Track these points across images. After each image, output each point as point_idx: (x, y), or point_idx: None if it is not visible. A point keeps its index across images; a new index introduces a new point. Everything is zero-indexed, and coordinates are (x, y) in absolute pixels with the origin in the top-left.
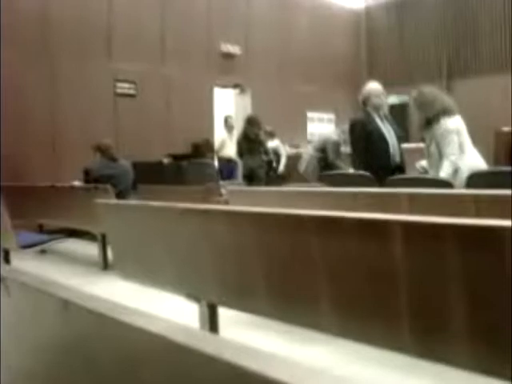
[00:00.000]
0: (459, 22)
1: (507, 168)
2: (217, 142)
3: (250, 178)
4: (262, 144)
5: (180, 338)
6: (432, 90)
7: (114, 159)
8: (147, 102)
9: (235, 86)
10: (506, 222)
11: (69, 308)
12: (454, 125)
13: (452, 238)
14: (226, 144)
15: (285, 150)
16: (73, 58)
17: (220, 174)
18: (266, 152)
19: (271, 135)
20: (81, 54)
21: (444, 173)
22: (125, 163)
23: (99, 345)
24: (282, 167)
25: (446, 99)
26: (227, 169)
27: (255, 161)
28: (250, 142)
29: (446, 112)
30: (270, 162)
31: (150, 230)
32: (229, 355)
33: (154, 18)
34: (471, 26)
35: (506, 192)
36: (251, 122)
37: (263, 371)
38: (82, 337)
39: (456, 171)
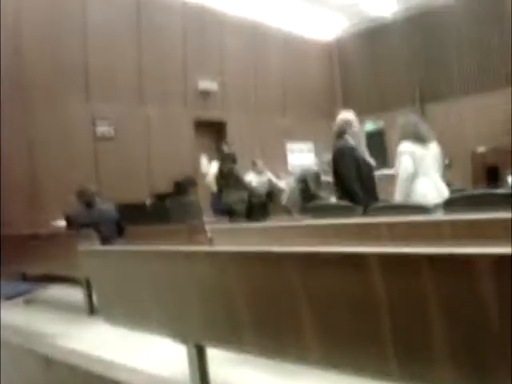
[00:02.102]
0: (428, 48)
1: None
2: (210, 176)
3: (228, 213)
4: (237, 179)
5: None
6: (407, 118)
7: (90, 205)
8: (127, 142)
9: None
10: (475, 250)
11: (51, 366)
12: (405, 148)
13: (426, 266)
14: None
15: (284, 183)
16: (48, 100)
17: (215, 207)
18: (245, 187)
19: (257, 168)
20: (57, 96)
21: (396, 197)
22: (106, 207)
23: None
24: (284, 199)
25: (415, 126)
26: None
27: (231, 196)
28: (224, 177)
29: (405, 137)
30: (269, 194)
31: (134, 273)
32: None
33: (129, 57)
34: (440, 52)
35: (481, 217)
36: (224, 158)
37: None
38: None
39: (409, 195)
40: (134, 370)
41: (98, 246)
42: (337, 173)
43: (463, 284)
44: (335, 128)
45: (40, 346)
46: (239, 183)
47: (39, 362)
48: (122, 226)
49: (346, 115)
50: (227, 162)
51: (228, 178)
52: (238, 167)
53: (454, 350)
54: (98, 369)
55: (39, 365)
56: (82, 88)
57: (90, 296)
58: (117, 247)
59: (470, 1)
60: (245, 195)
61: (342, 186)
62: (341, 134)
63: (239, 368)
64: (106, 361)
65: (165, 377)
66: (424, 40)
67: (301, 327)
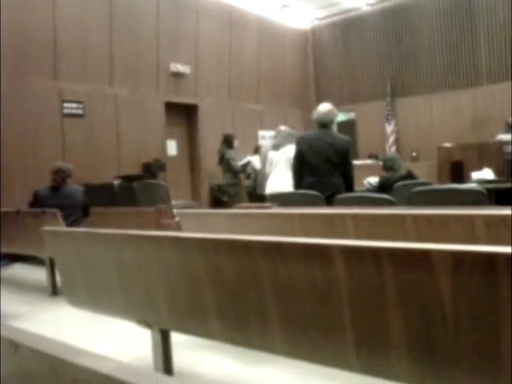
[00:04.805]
0: (401, 43)
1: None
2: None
3: (220, 194)
4: (227, 162)
5: (132, 379)
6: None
7: (59, 186)
8: (96, 122)
9: None
10: (431, 246)
11: (19, 350)
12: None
13: (387, 259)
14: None
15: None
16: (15, 79)
17: None
18: (234, 170)
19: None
20: (23, 74)
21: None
22: (74, 189)
23: None
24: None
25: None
26: None
27: (224, 178)
28: (220, 160)
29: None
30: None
31: (99, 256)
32: None
33: (102, 38)
34: (412, 47)
35: (443, 211)
36: (222, 141)
37: None
38: (34, 380)
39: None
40: (99, 356)
41: (63, 227)
42: (346, 162)
43: (421, 278)
44: (325, 118)
45: (6, 330)
46: (231, 167)
47: (8, 348)
48: (87, 209)
49: (330, 106)
50: (223, 144)
51: (221, 161)
52: (234, 150)
53: (411, 342)
54: (62, 354)
55: (8, 350)
56: (51, 67)
57: (53, 277)
58: (82, 229)
59: None
60: (237, 179)
61: (350, 175)
62: (328, 123)
63: (204, 354)
64: (72, 346)
65: (130, 363)
66: (397, 34)
67: (266, 315)
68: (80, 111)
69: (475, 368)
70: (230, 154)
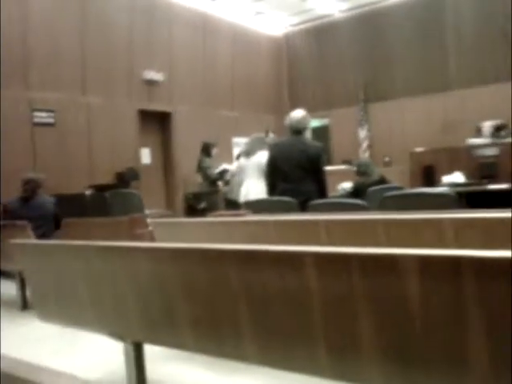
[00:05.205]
0: (374, 49)
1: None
2: None
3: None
4: (204, 170)
5: None
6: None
7: (30, 197)
8: (67, 131)
9: None
10: (399, 250)
11: None
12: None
13: (357, 265)
14: None
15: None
16: None
17: None
18: (211, 178)
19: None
20: None
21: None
22: (44, 201)
23: None
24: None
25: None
26: None
27: (201, 187)
28: (198, 168)
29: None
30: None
31: (70, 268)
32: None
33: (74, 46)
34: (384, 53)
35: (413, 216)
36: (201, 149)
37: None
38: None
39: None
40: (58, 373)
41: (32, 240)
42: (318, 169)
43: (390, 283)
44: (298, 124)
45: None
46: (207, 175)
47: None
48: (59, 221)
49: (303, 113)
50: (201, 153)
51: (199, 168)
52: (211, 158)
53: (382, 347)
54: (20, 372)
55: None
56: (21, 76)
57: (23, 290)
58: (52, 241)
59: (413, 5)
60: (214, 187)
61: (322, 181)
62: (301, 130)
63: (177, 364)
64: (30, 363)
65: (101, 377)
66: (370, 40)
67: (239, 324)
68: (51, 120)
69: (443, 371)
70: (206, 162)
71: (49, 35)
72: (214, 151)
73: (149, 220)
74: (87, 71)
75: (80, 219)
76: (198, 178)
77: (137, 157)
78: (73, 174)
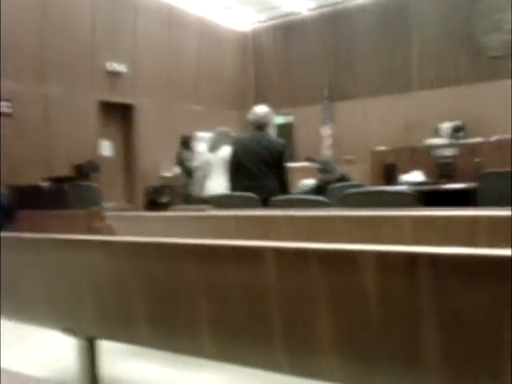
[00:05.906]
0: (339, 48)
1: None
2: None
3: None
4: (182, 163)
5: None
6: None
7: None
8: (26, 122)
9: None
10: (356, 246)
11: None
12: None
13: (316, 260)
14: None
15: None
16: None
17: None
18: (188, 171)
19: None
20: None
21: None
22: None
23: None
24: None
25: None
26: None
27: (181, 179)
28: (178, 161)
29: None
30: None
31: (23, 262)
32: None
33: (33, 34)
34: (349, 52)
35: (372, 213)
36: (180, 142)
37: None
38: None
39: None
40: (12, 373)
41: None
42: (281, 165)
43: (348, 279)
44: (261, 120)
45: None
46: (187, 168)
47: None
48: (12, 214)
49: (266, 108)
50: (180, 146)
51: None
52: (191, 151)
53: (340, 343)
54: None
55: None
56: None
57: None
58: (3, 234)
59: (379, 6)
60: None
61: (284, 177)
62: (264, 126)
63: (134, 360)
64: None
65: (52, 375)
66: (336, 39)
67: (196, 320)
68: (9, 110)
69: (399, 363)
70: (184, 154)
71: (7, 23)
72: (194, 144)
73: (108, 213)
74: (47, 61)
75: (36, 212)
76: (177, 171)
77: (97, 149)
78: (30, 165)
